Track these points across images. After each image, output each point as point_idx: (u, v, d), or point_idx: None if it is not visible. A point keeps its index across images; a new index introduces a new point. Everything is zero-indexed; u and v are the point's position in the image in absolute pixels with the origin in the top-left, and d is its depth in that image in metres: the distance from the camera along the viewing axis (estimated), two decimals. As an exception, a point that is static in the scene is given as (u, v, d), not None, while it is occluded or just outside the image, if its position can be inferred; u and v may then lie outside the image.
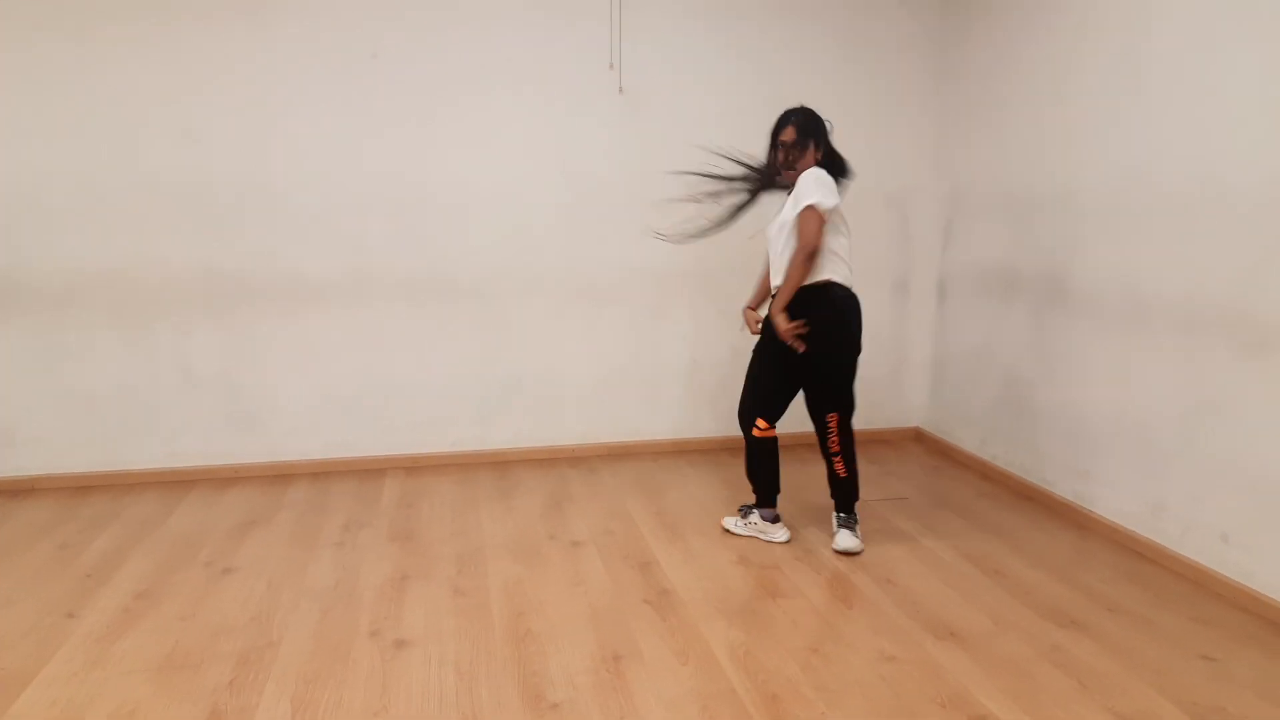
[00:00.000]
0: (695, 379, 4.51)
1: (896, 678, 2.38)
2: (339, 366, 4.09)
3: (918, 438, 4.81)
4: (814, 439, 3.31)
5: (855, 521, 3.31)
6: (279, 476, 4.04)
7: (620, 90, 4.13)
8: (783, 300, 3.04)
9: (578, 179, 4.17)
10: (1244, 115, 2.76)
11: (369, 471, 4.14)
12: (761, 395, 3.26)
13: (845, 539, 3.24)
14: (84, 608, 2.76)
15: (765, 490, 3.36)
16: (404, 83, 3.93)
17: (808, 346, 3.04)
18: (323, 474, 4.09)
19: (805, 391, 3.23)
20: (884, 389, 4.76)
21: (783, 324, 3.02)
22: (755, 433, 3.27)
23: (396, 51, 3.90)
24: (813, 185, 2.98)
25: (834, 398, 3.18)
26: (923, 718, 2.19)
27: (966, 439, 4.39)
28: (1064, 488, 3.66)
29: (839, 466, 3.26)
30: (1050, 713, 2.22)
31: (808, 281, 3.04)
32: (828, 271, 3.06)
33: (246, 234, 3.90)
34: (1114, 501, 3.39)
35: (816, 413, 3.22)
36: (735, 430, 4.50)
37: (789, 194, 3.13)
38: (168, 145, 3.77)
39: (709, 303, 4.42)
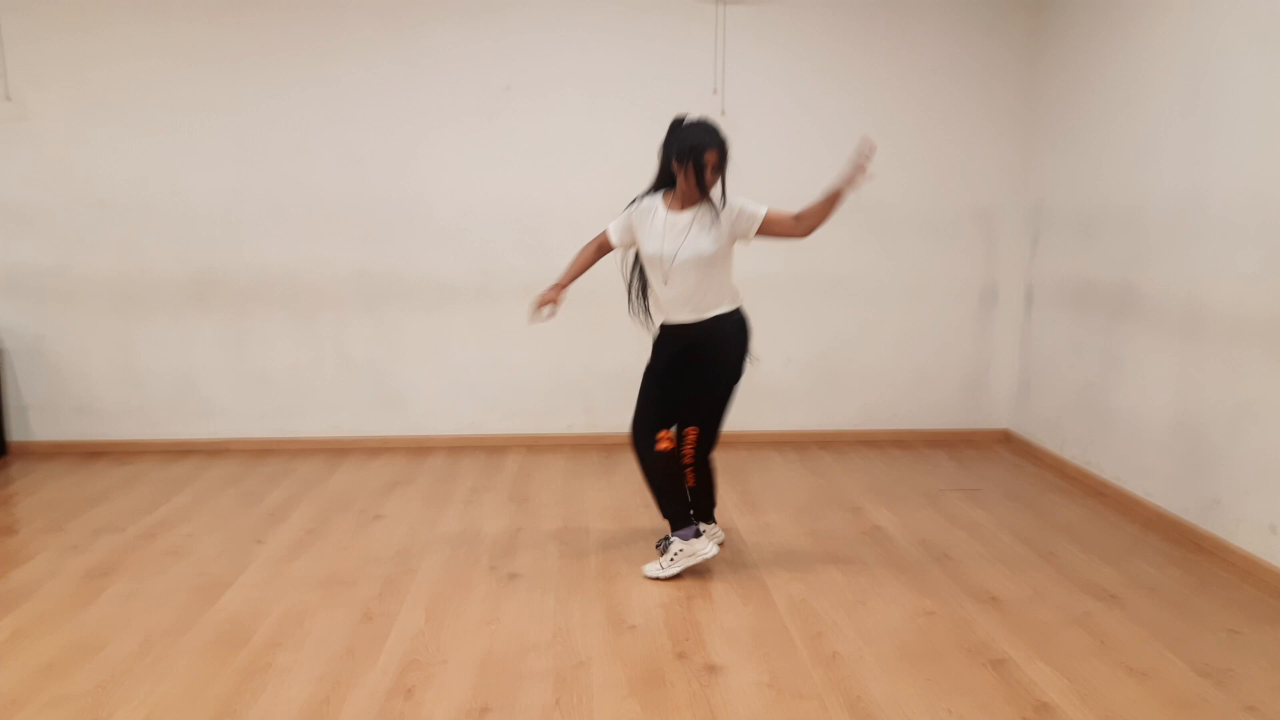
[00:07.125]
0: (785, 376, 4.89)
1: (930, 628, 2.72)
2: (470, 356, 4.72)
3: (1006, 439, 5.01)
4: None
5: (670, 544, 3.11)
6: (419, 449, 4.70)
7: (723, 113, 4.58)
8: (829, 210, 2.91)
9: (682, 193, 4.65)
10: (1291, 132, 2.96)
11: (495, 448, 4.74)
12: (665, 410, 3.13)
13: (651, 565, 3.13)
14: (267, 538, 3.44)
15: (680, 508, 3.11)
16: (527, 110, 4.55)
17: (720, 370, 3.08)
18: (457, 448, 4.72)
19: (690, 404, 3.13)
20: (973, 392, 4.99)
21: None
22: (660, 446, 3.07)
23: (522, 84, 4.52)
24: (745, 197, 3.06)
25: (716, 415, 3.14)
26: (945, 660, 2.54)
27: (1049, 440, 4.59)
28: (1133, 485, 3.84)
29: (690, 476, 3.19)
30: (1065, 663, 2.51)
31: (732, 306, 3.07)
32: (738, 296, 3.11)
33: (394, 241, 4.61)
34: (1172, 497, 3.57)
35: (690, 422, 3.13)
36: (829, 424, 4.90)
37: (686, 214, 3.12)
38: (332, 167, 4.52)
39: (803, 303, 4.81)
